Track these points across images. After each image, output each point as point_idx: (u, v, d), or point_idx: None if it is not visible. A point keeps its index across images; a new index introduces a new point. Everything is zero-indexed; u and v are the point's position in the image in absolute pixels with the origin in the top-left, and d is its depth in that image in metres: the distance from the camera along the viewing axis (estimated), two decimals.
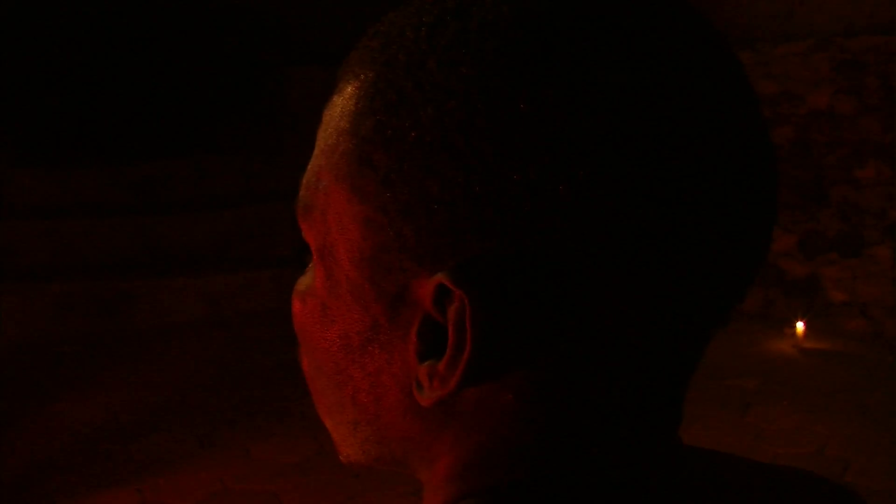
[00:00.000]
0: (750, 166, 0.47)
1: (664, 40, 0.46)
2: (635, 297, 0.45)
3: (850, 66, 4.94)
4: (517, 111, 0.44)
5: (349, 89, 0.49)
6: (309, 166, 0.52)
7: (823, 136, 5.04)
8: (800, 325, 4.80)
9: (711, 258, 0.46)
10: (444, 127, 0.44)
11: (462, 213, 0.44)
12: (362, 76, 0.49)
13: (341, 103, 0.50)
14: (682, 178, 0.45)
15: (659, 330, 0.47)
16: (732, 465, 0.56)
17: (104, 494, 3.40)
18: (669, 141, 0.44)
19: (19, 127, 5.90)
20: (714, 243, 0.46)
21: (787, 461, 3.49)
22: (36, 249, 5.40)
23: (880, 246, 4.93)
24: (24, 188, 5.66)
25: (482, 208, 0.44)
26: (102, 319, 5.14)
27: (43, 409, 4.12)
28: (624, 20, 0.46)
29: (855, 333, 4.95)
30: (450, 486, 0.51)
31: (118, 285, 5.23)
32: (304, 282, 0.54)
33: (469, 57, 0.45)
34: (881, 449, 3.66)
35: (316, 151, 0.52)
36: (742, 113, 0.48)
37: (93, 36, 6.11)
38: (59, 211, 5.60)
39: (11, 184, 5.64)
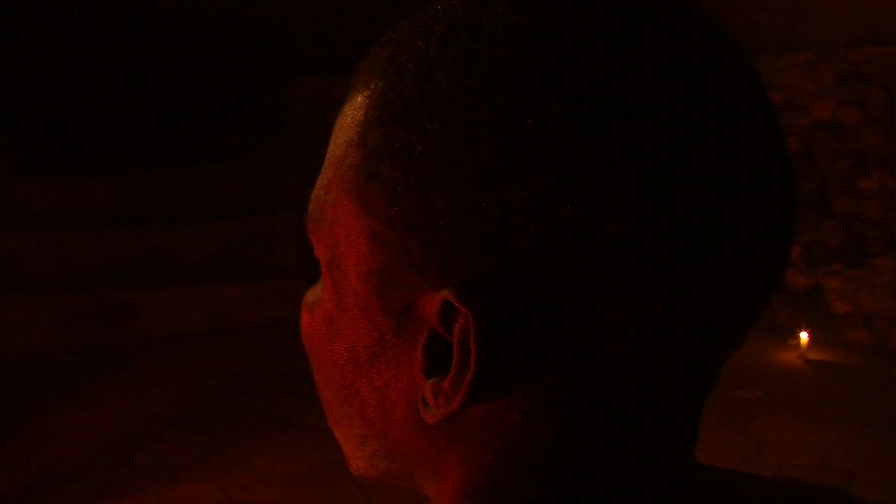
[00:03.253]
0: (767, 185, 0.46)
1: (680, 54, 0.45)
2: (646, 317, 0.44)
3: (854, 78, 4.95)
4: (524, 126, 0.42)
5: (359, 98, 0.48)
6: (319, 178, 0.51)
7: (826, 148, 5.04)
8: (803, 336, 4.79)
9: (727, 278, 0.45)
10: (451, 141, 0.43)
11: (468, 229, 0.43)
12: (372, 85, 0.48)
13: (351, 113, 0.49)
14: (697, 196, 0.43)
15: (672, 349, 0.45)
16: (746, 485, 0.54)
17: None
18: (684, 159, 0.43)
19: (22, 136, 5.91)
20: (730, 263, 0.45)
21: (790, 473, 3.48)
22: (39, 259, 5.40)
23: (884, 257, 4.92)
24: (27, 198, 5.67)
25: (488, 225, 0.43)
26: (105, 330, 5.14)
27: (46, 420, 4.12)
28: (638, 34, 0.44)
29: (858, 344, 4.94)
30: None
31: (121, 296, 5.23)
32: (313, 294, 0.54)
33: (477, 69, 0.44)
34: (886, 460, 3.65)
35: (325, 163, 0.51)
36: (760, 129, 0.46)
37: (96, 46, 6.13)
38: (61, 221, 5.60)
39: (14, 193, 5.65)
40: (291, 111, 6.13)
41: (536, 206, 0.42)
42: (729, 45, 0.47)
